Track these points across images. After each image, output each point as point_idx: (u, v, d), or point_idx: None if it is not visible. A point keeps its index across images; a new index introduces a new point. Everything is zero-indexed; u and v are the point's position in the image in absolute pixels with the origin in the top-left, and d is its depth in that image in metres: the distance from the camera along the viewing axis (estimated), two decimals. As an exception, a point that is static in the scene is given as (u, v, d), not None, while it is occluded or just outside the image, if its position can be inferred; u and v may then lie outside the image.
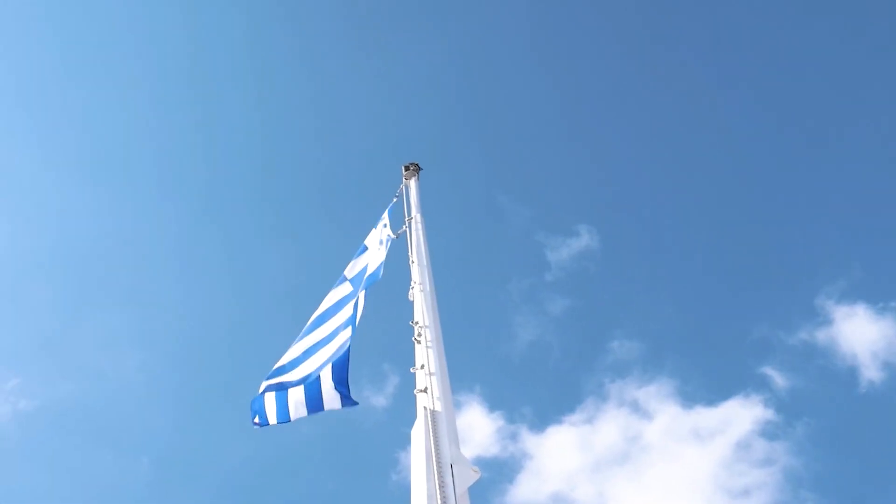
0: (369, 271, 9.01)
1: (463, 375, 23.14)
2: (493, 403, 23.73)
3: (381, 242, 9.40)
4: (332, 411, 7.89)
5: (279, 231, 28.47)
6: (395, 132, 27.84)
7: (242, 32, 29.08)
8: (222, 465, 23.39)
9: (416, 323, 6.81)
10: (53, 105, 28.78)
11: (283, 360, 8.48)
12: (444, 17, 29.09)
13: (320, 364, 8.04)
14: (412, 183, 10.24)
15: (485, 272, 27.98)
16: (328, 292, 9.34)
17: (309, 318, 9.00)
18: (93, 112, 28.79)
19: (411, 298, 7.40)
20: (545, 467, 22.71)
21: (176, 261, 28.42)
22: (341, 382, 7.70)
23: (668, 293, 26.88)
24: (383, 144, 26.74)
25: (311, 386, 7.98)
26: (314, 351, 8.33)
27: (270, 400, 8.18)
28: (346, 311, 8.55)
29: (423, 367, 6.16)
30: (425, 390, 5.84)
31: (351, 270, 9.58)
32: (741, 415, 22.39)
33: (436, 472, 4.93)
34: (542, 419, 23.98)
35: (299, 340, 8.66)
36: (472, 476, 5.08)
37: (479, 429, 22.91)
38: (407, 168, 10.56)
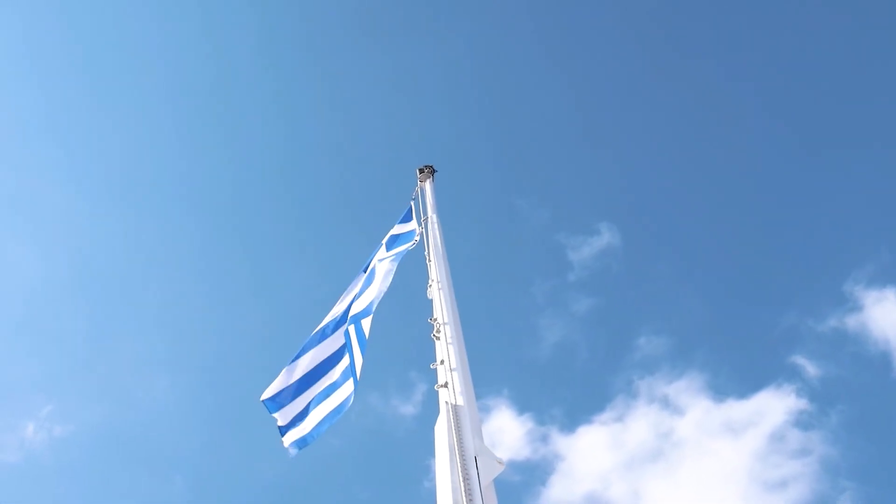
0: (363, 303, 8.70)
1: (490, 379, 23.07)
2: (522, 406, 23.62)
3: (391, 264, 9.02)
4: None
5: (301, 244, 28.59)
6: (410, 138, 27.89)
7: (258, 43, 29.26)
8: (256, 481, 23.44)
9: (435, 320, 6.80)
10: (80, 131, 29.19)
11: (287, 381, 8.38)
12: (459, 19, 29.15)
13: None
14: (427, 185, 10.27)
15: (507, 276, 27.90)
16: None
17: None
18: (116, 135, 29.13)
19: (430, 296, 7.38)
20: (577, 468, 22.54)
21: (201, 281, 28.63)
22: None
23: (694, 286, 26.65)
24: (400, 151, 26.78)
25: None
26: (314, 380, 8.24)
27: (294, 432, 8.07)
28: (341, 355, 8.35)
29: (442, 362, 6.14)
30: (446, 385, 5.81)
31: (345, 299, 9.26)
32: (774, 406, 22.11)
33: (459, 465, 4.87)
34: (572, 420, 23.85)
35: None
36: (497, 468, 5.02)
37: (508, 432, 22.81)
38: (421, 171, 10.59)
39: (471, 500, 4.63)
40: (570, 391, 25.05)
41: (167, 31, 28.83)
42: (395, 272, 8.35)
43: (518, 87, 29.30)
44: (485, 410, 22.93)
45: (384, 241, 9.52)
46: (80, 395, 26.28)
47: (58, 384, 26.53)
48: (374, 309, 7.74)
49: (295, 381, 8.33)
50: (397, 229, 9.75)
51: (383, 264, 8.54)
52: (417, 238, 8.94)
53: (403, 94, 29.40)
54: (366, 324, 7.63)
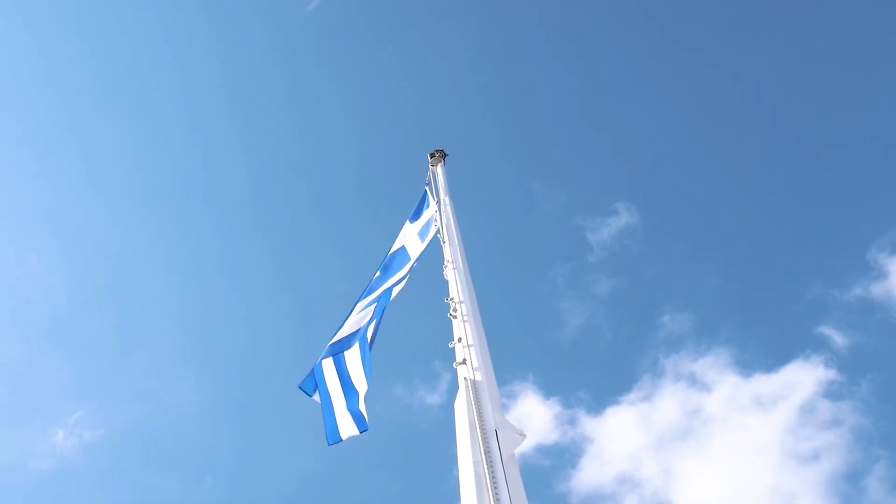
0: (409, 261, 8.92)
1: (515, 365, 23.05)
2: (549, 390, 23.56)
3: (421, 234, 9.32)
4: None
5: (321, 238, 28.66)
6: (425, 129, 27.82)
7: (268, 42, 29.29)
8: (285, 478, 23.59)
9: (452, 299, 6.80)
10: (96, 136, 29.38)
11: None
12: (471, 4, 29.01)
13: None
14: (438, 169, 10.32)
15: (526, 261, 27.83)
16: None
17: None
18: (132, 139, 29.32)
19: (446, 277, 7.38)
20: (607, 449, 22.45)
21: (221, 280, 28.80)
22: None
23: (714, 262, 26.42)
24: (415, 141, 26.74)
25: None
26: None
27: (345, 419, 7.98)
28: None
29: (460, 340, 6.14)
30: (464, 362, 5.80)
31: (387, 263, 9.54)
32: (802, 378, 21.88)
33: (480, 439, 4.86)
34: (599, 401, 23.70)
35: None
36: (518, 439, 5.00)
37: (536, 416, 22.76)
38: (432, 155, 10.64)
39: (492, 472, 4.61)
40: (595, 373, 24.97)
41: (179, 32, 28.97)
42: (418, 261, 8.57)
43: (528, 72, 29.19)
44: (511, 396, 22.90)
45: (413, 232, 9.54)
46: (107, 400, 26.56)
47: (86, 390, 26.83)
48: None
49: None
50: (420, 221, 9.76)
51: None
52: (435, 229, 8.99)
53: (417, 84, 29.36)
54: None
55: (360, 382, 7.74)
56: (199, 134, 29.50)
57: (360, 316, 8.39)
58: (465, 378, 5.56)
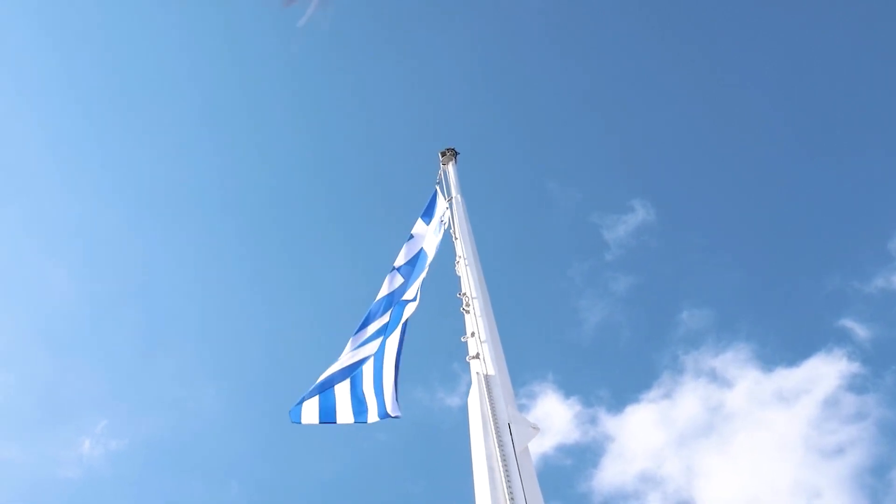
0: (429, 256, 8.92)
1: (534, 365, 22.97)
2: (568, 389, 23.48)
3: (436, 231, 9.34)
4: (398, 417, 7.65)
5: (340, 243, 28.71)
6: (439, 131, 27.89)
7: (283, 48, 29.41)
8: (309, 482, 23.66)
9: (464, 294, 6.77)
10: (110, 145, 29.64)
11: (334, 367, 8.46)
12: (482, 2, 28.97)
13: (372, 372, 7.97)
14: (450, 167, 10.30)
15: (543, 260, 27.75)
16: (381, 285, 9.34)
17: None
18: (147, 146, 29.55)
19: (458, 273, 7.35)
20: (629, 448, 22.32)
21: (240, 286, 28.95)
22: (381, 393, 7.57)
23: (733, 256, 26.23)
24: (430, 143, 26.69)
25: (356, 394, 7.89)
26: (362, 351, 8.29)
27: (312, 404, 8.06)
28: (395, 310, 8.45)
29: (473, 335, 6.10)
30: (477, 356, 5.76)
31: (401, 259, 9.57)
32: (825, 371, 21.66)
33: (493, 433, 4.81)
34: (620, 400, 23.63)
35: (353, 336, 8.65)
36: (532, 433, 4.94)
37: (556, 416, 22.67)
38: (443, 154, 10.62)
39: (506, 466, 4.56)
40: (615, 371, 24.85)
41: (195, 41, 29.17)
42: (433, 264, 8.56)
43: (541, 70, 29.10)
44: (530, 396, 22.81)
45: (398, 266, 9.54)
46: (132, 408, 26.78)
47: (110, 400, 27.06)
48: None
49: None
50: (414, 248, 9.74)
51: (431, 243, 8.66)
52: (446, 222, 8.95)
53: (431, 85, 29.35)
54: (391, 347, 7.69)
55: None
56: (216, 142, 29.69)
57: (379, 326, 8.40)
58: (477, 373, 5.53)
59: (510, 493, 4.38)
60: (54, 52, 29.09)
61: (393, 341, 7.71)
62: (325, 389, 7.97)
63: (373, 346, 7.98)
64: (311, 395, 8.02)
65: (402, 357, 7.60)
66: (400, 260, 9.57)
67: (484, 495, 4.43)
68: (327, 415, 7.89)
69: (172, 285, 29.16)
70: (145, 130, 29.31)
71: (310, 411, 7.96)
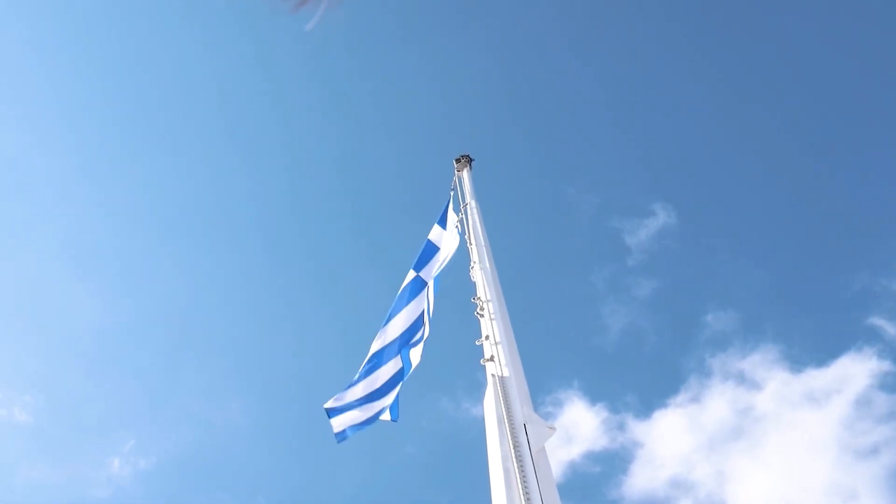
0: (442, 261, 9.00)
1: (559, 373, 22.86)
2: (594, 396, 23.33)
3: (454, 233, 9.39)
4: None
5: (364, 256, 28.76)
6: (455, 137, 27.87)
7: (307, 59, 29.58)
8: (336, 495, 23.64)
9: (479, 299, 6.76)
10: (131, 167, 30.02)
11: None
12: (497, 8, 28.98)
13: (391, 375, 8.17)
14: (464, 174, 10.30)
15: (565, 268, 27.60)
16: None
17: None
18: (166, 165, 29.90)
19: (473, 278, 7.35)
20: (658, 453, 22.11)
21: (261, 301, 29.11)
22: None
23: (756, 257, 25.97)
24: (449, 149, 26.71)
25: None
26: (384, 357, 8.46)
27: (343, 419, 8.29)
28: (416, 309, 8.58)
29: (487, 338, 6.09)
30: (492, 359, 5.75)
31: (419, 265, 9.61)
32: (855, 371, 21.34)
33: (509, 433, 4.80)
34: (647, 405, 23.38)
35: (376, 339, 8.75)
36: (548, 433, 4.93)
37: (584, 423, 22.52)
38: (458, 160, 10.64)
39: (521, 465, 4.55)
40: (641, 376, 24.65)
41: (216, 49, 29.42)
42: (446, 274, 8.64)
43: (554, 76, 29.06)
44: (557, 404, 22.68)
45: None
46: (159, 426, 26.95)
47: (137, 418, 27.26)
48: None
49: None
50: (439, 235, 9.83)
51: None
52: (458, 228, 8.96)
53: (449, 91, 29.38)
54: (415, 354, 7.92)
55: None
56: (241, 160, 29.90)
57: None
58: (492, 375, 5.51)
59: (526, 493, 4.36)
60: (82, 75, 29.55)
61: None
62: (360, 405, 8.14)
63: (394, 365, 8.13)
64: (344, 411, 8.18)
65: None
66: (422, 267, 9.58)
67: (500, 496, 4.41)
68: (364, 423, 8.09)
69: (195, 301, 29.38)
70: (172, 150, 29.62)
71: (348, 422, 8.15)
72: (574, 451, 22.11)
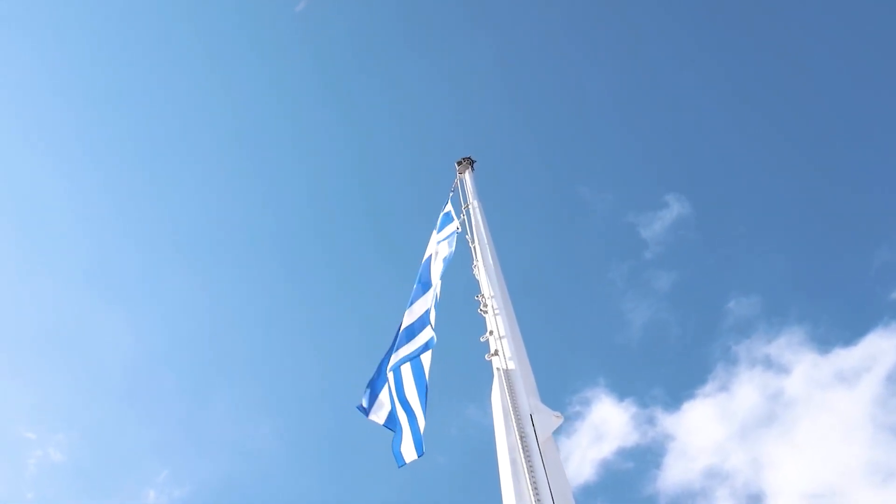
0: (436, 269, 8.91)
1: (584, 371, 22.74)
2: (622, 392, 23.13)
3: (449, 244, 9.31)
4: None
5: (386, 270, 28.74)
6: (464, 140, 27.81)
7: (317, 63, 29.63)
8: (371, 510, 23.58)
9: (482, 296, 6.74)
10: (146, 189, 30.27)
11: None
12: (504, 8, 28.97)
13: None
14: (466, 176, 10.29)
15: (582, 266, 27.46)
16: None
17: None
18: (189, 185, 30.11)
19: (476, 276, 7.32)
20: (690, 445, 21.87)
21: (285, 320, 29.18)
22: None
23: (774, 240, 25.66)
24: (459, 151, 26.70)
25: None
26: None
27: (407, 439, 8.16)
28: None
29: (492, 333, 6.06)
30: (496, 353, 5.72)
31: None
32: (885, 347, 21.00)
33: (515, 424, 4.75)
34: (675, 397, 23.21)
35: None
36: (555, 421, 4.87)
37: (613, 420, 22.35)
38: (459, 163, 10.64)
39: (528, 455, 4.50)
40: (667, 369, 24.41)
41: (220, 55, 29.60)
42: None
43: (560, 71, 29.01)
44: (584, 403, 22.53)
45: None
46: (191, 454, 27.07)
47: (169, 448, 27.39)
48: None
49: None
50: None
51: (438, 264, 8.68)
52: (458, 228, 8.92)
53: (459, 95, 29.38)
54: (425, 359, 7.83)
55: (415, 402, 7.87)
56: (256, 179, 30.05)
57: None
58: (498, 368, 5.48)
59: (534, 482, 4.31)
60: (102, 99, 29.89)
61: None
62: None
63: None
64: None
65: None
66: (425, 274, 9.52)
67: (508, 488, 4.37)
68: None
69: (218, 322, 29.48)
70: (182, 163, 29.78)
71: (407, 446, 7.98)
72: (605, 449, 21.93)
